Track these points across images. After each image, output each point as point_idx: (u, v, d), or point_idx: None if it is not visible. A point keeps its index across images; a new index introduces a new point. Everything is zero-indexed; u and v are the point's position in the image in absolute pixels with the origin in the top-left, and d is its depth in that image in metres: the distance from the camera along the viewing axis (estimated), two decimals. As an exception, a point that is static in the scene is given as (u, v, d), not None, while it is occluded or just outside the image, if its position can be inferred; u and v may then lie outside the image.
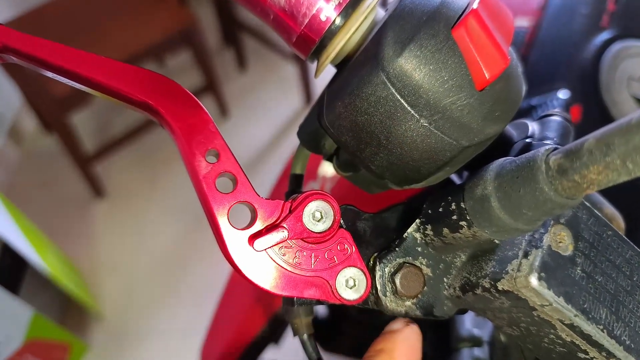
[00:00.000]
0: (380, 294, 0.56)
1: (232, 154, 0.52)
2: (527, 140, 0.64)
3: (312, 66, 0.58)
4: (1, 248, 2.48)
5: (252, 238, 0.51)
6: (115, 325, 3.33)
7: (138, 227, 3.78)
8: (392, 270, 0.56)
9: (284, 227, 0.51)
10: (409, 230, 0.57)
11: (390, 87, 0.48)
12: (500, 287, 0.50)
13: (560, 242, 0.50)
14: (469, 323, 0.92)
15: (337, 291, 0.53)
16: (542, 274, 0.47)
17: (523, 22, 1.17)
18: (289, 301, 0.61)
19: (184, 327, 3.21)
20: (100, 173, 3.88)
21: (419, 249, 0.57)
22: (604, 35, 1.07)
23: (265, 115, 4.33)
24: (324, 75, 0.59)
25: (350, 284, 0.53)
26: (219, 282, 1.59)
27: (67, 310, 3.13)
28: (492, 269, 0.51)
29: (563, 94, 0.98)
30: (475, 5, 0.47)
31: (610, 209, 0.67)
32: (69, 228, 3.79)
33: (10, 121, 4.22)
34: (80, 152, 3.53)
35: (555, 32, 1.12)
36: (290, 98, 4.36)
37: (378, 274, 0.56)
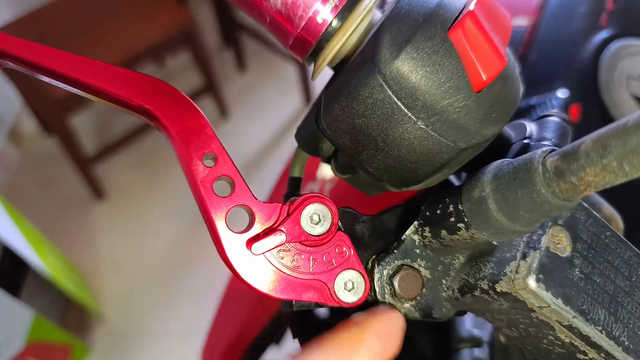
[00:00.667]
0: (379, 296, 0.56)
1: (230, 158, 0.52)
2: (525, 141, 0.64)
3: (311, 67, 0.58)
4: (1, 250, 2.48)
5: (250, 242, 0.51)
6: (117, 326, 3.33)
7: (138, 228, 3.79)
8: (391, 272, 0.56)
9: (281, 230, 0.51)
10: (407, 232, 0.57)
11: (387, 89, 0.48)
12: (498, 289, 0.50)
13: (558, 243, 0.50)
14: (468, 323, 0.92)
15: (335, 294, 0.52)
16: (540, 276, 0.47)
17: (522, 22, 1.17)
18: (287, 304, 0.61)
19: (185, 327, 3.22)
20: (100, 174, 3.88)
21: (417, 251, 0.57)
22: (603, 34, 1.07)
23: (265, 116, 4.33)
24: (323, 76, 0.59)
25: (348, 287, 0.53)
26: (220, 283, 1.60)
27: (68, 312, 3.13)
28: (491, 270, 0.51)
29: (562, 93, 0.98)
30: (471, 7, 0.46)
31: (608, 209, 0.67)
32: (69, 229, 3.79)
33: (10, 123, 4.23)
34: (80, 154, 3.53)
35: (554, 31, 1.12)
36: (290, 99, 4.36)
37: (376, 276, 0.56)
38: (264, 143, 4.11)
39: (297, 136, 0.64)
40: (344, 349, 0.44)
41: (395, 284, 0.55)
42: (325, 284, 0.52)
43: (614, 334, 0.49)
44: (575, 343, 0.50)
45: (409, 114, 0.48)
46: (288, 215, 0.52)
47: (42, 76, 0.54)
